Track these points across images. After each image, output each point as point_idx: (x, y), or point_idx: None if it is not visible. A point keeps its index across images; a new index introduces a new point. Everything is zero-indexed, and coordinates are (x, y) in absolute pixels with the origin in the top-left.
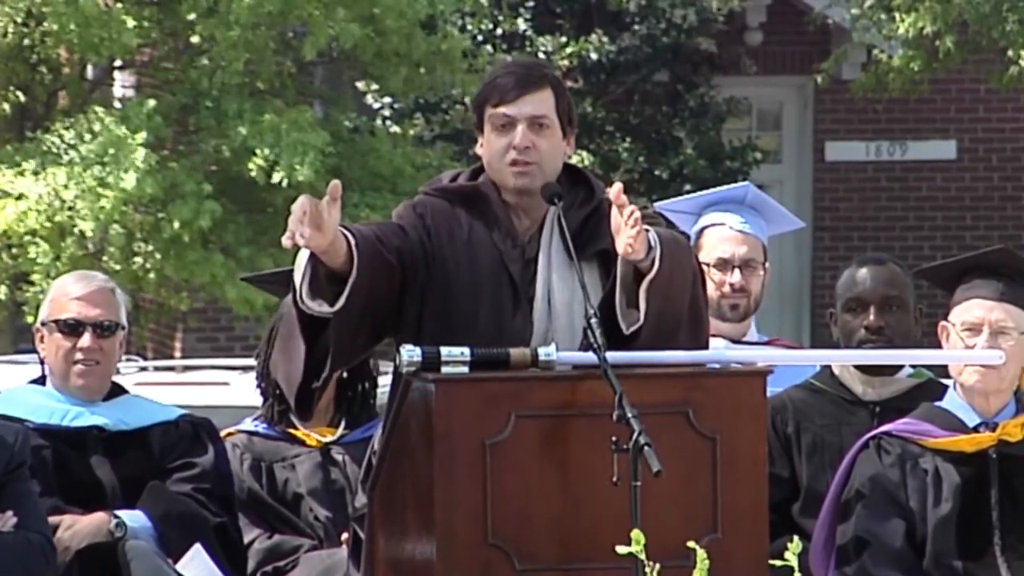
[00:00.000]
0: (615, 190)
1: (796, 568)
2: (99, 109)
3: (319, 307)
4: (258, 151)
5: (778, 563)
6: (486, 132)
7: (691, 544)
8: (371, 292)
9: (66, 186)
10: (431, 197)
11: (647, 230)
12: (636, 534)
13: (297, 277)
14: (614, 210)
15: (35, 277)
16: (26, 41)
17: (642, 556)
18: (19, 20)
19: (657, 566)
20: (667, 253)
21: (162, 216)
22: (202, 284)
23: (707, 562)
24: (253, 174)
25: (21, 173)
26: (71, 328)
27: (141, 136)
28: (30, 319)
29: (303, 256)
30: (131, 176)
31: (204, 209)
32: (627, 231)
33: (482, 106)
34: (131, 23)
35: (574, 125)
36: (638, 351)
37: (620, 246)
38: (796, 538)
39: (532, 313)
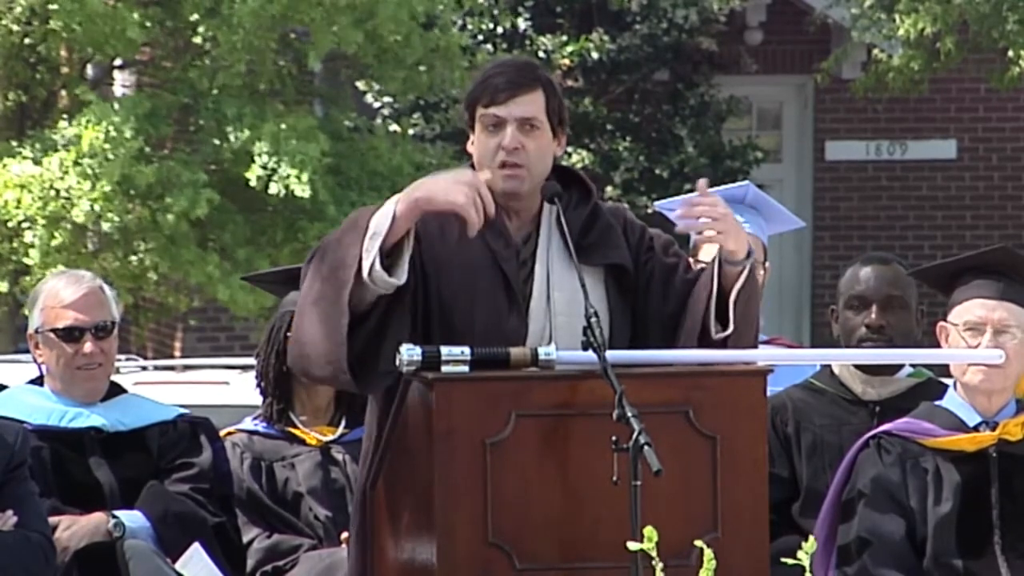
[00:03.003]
0: (700, 185)
1: (808, 568)
2: (94, 98)
3: (384, 280)
4: (257, 158)
5: (790, 561)
6: (476, 131)
7: (698, 543)
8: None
9: (62, 177)
10: None
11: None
12: (649, 531)
13: (367, 256)
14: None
15: (30, 261)
16: (27, 40)
17: (654, 553)
18: (23, 19)
19: (661, 565)
20: (752, 272)
21: (158, 208)
22: (198, 283)
23: (714, 562)
24: (252, 183)
25: (22, 161)
26: (70, 335)
27: (132, 122)
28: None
29: (377, 232)
30: (105, 141)
31: (201, 198)
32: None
33: (473, 105)
34: (136, 20)
35: (565, 125)
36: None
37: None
38: (812, 538)
39: (528, 313)
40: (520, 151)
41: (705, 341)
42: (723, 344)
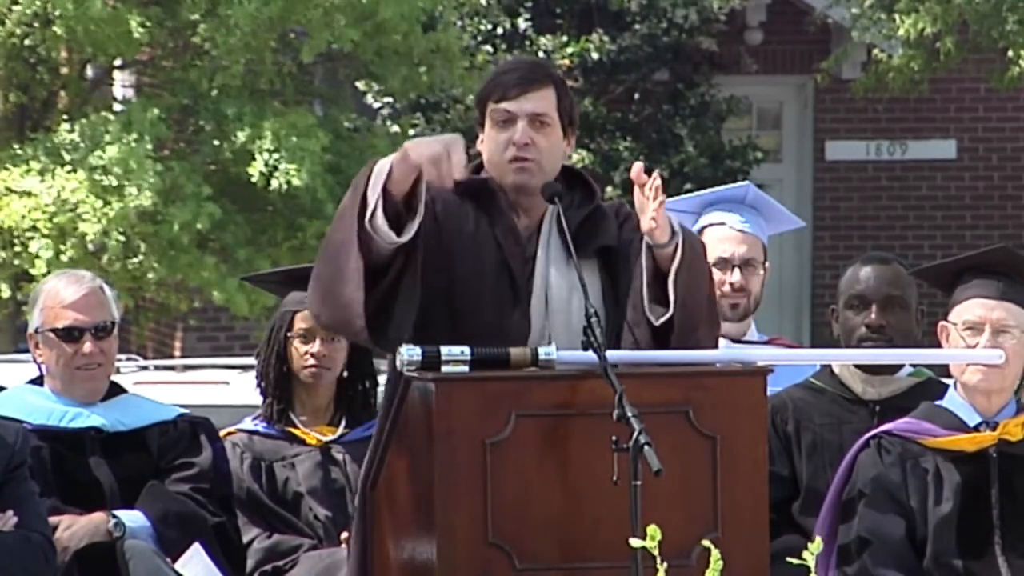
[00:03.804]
0: (635, 169)
1: (812, 569)
2: (106, 114)
3: (386, 232)
4: (258, 155)
5: (794, 561)
6: (487, 128)
7: (705, 543)
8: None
9: (73, 191)
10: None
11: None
12: (652, 529)
13: (371, 197)
14: (636, 189)
15: (35, 272)
16: (28, 41)
17: (656, 552)
18: (25, 22)
19: (664, 565)
20: (688, 243)
21: (161, 219)
22: (197, 286)
23: (720, 562)
24: (253, 179)
25: (28, 171)
26: (70, 335)
27: (147, 146)
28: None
29: (377, 178)
30: (146, 195)
31: (203, 212)
32: (651, 205)
33: (484, 102)
34: (137, 27)
35: (575, 126)
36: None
37: (644, 224)
38: (818, 539)
39: (530, 311)
40: (531, 146)
41: (653, 334)
42: (668, 329)
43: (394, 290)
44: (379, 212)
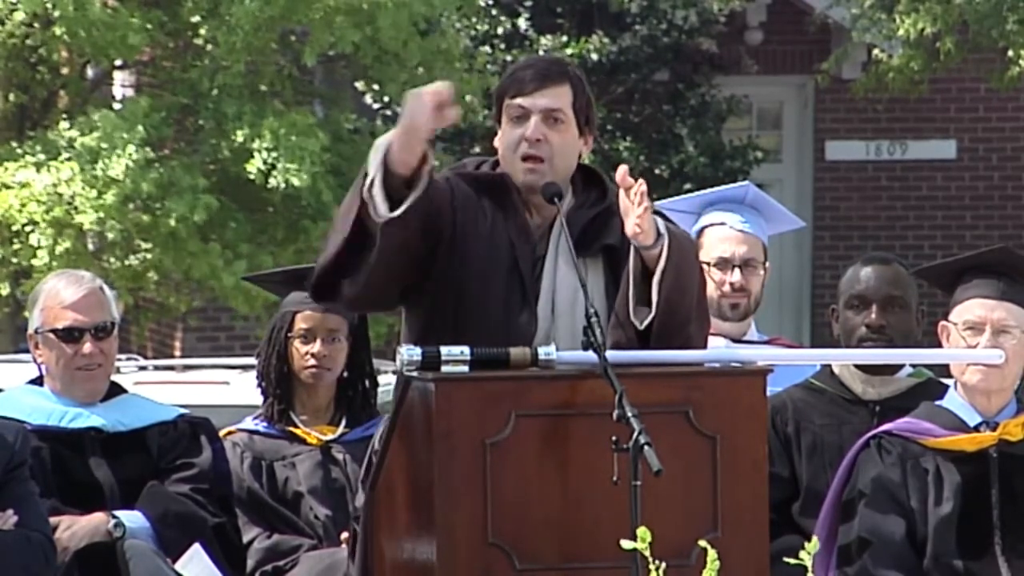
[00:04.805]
0: (620, 172)
1: (810, 568)
2: (106, 112)
3: (382, 204)
4: (257, 154)
5: (792, 561)
6: (502, 124)
7: (702, 543)
8: (422, 222)
9: (68, 182)
10: (457, 180)
11: (656, 216)
12: (642, 531)
13: (372, 169)
14: (622, 193)
15: (37, 263)
16: (29, 41)
17: (647, 553)
18: (26, 23)
19: (663, 565)
20: (675, 244)
21: (159, 211)
22: (200, 278)
23: (718, 562)
24: (252, 176)
25: (24, 166)
26: (70, 335)
27: (139, 132)
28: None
29: (379, 151)
30: (121, 163)
31: (199, 203)
32: (635, 210)
33: (501, 98)
34: (137, 26)
35: (592, 125)
36: (651, 348)
37: (629, 227)
38: (815, 538)
39: (537, 311)
40: (543, 143)
41: (639, 334)
42: (649, 332)
43: (355, 262)
44: (377, 185)
